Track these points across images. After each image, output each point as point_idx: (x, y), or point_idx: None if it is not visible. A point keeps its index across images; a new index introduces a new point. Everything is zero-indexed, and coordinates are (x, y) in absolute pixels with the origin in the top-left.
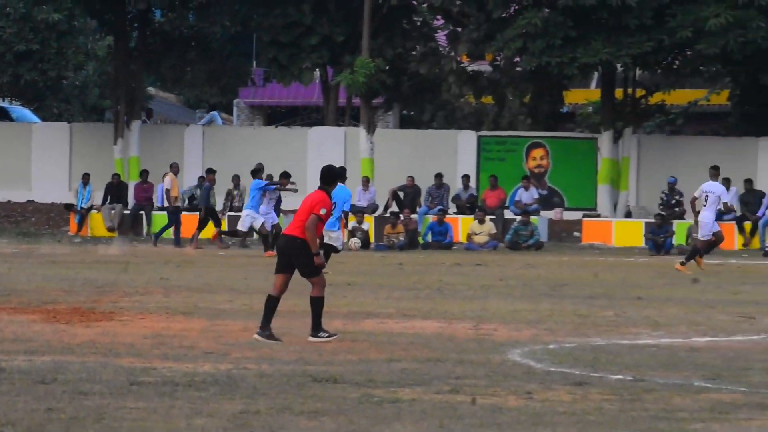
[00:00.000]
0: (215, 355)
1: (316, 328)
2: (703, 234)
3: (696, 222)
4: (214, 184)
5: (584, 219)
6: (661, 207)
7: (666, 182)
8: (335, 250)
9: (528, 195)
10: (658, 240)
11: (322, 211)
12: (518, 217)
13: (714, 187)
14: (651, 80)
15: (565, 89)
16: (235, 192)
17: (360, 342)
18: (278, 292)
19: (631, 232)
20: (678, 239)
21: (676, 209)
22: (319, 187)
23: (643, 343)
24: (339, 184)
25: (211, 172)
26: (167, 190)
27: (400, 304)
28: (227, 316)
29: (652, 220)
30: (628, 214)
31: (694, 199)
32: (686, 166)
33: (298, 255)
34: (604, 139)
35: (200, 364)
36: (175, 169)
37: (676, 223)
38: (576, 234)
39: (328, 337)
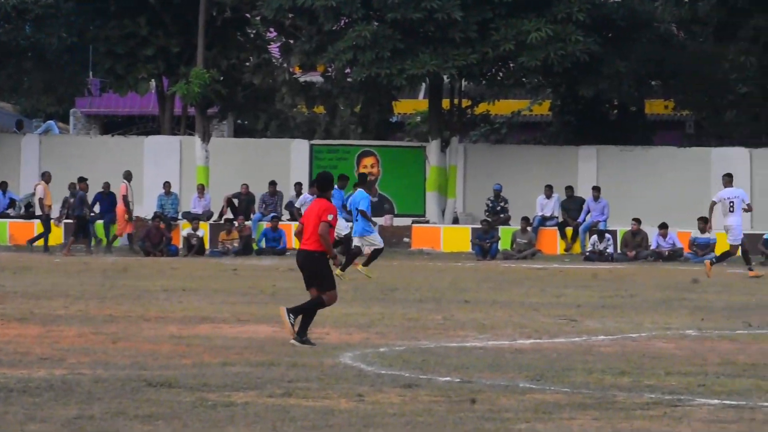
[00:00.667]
0: (50, 360)
1: (302, 333)
2: (735, 238)
3: (725, 228)
4: (87, 191)
5: (414, 225)
6: (487, 213)
7: (491, 189)
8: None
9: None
10: (484, 245)
11: (330, 217)
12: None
13: (735, 192)
14: (476, 91)
15: (394, 99)
16: (71, 200)
17: (195, 346)
18: None
19: (458, 238)
20: (503, 244)
21: (501, 215)
22: (318, 196)
23: (470, 345)
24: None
25: (82, 180)
26: (40, 199)
27: (234, 308)
28: (63, 322)
29: (479, 226)
30: (456, 221)
31: (713, 204)
32: (511, 174)
33: (317, 268)
34: (432, 148)
35: (35, 369)
36: (47, 178)
37: (501, 228)
38: (406, 240)
39: (301, 342)
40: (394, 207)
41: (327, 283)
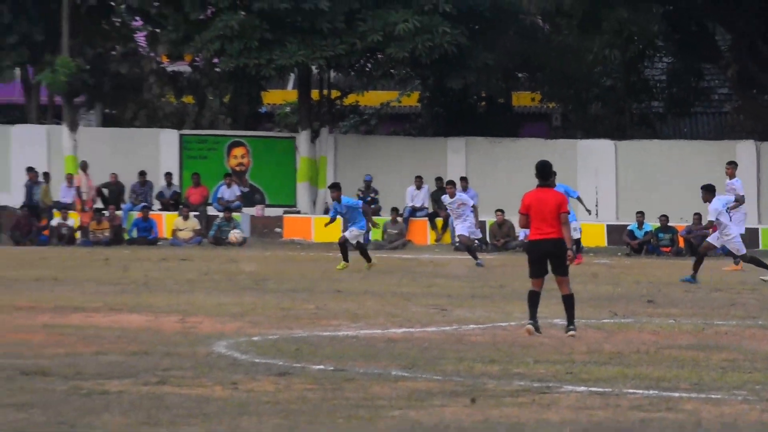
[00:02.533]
0: None
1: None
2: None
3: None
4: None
5: (285, 215)
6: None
7: (362, 180)
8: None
9: (230, 192)
10: None
11: (568, 208)
12: (221, 214)
13: (724, 200)
14: (345, 82)
15: (263, 90)
16: None
17: (68, 336)
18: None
19: (329, 228)
20: (374, 235)
21: (372, 206)
22: (540, 185)
23: (343, 334)
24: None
25: (31, 170)
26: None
27: (107, 298)
28: None
29: None
30: (327, 211)
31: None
32: (381, 164)
33: (564, 255)
34: (302, 139)
35: None
36: None
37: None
38: (277, 230)
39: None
40: (266, 197)
41: (564, 268)
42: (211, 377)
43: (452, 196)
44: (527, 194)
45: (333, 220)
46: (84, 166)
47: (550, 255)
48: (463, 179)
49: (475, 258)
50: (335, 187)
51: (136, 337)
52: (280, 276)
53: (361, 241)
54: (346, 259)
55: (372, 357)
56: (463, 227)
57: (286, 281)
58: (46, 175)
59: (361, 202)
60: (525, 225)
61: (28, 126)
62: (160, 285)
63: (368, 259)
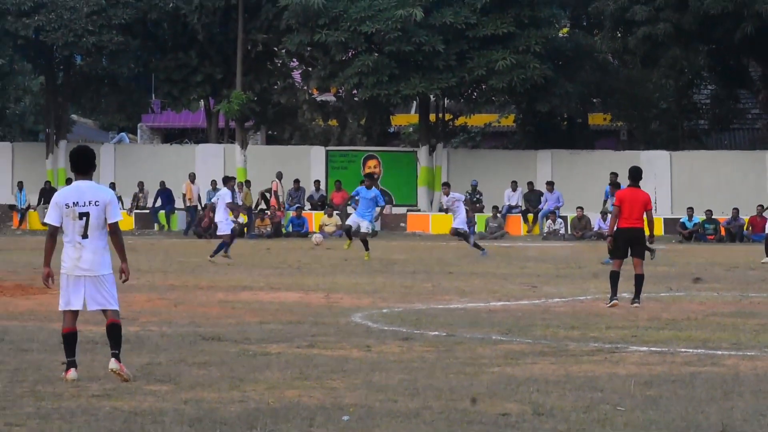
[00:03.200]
0: (126, 320)
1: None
2: None
3: None
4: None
5: (408, 213)
6: (466, 203)
7: (469, 184)
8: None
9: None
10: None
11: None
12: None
13: None
14: (456, 107)
15: (391, 114)
16: (140, 195)
17: (238, 309)
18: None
19: (443, 223)
20: (479, 228)
21: (477, 205)
22: (631, 185)
23: (453, 307)
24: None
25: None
26: (183, 194)
27: (268, 279)
28: (135, 290)
29: None
30: (441, 209)
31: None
32: (484, 172)
33: (644, 242)
34: (422, 153)
35: None
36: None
37: (477, 215)
38: (402, 225)
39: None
40: (393, 199)
41: (644, 253)
42: (349, 342)
43: (447, 195)
44: (622, 191)
45: (352, 200)
46: (279, 176)
47: (634, 240)
48: (549, 183)
49: (479, 248)
50: (369, 177)
51: (291, 310)
52: (404, 261)
53: (374, 230)
54: (350, 238)
55: (476, 325)
56: (457, 221)
57: (409, 265)
58: (248, 183)
59: (380, 196)
60: (617, 215)
61: (209, 145)
62: (309, 269)
63: (367, 248)
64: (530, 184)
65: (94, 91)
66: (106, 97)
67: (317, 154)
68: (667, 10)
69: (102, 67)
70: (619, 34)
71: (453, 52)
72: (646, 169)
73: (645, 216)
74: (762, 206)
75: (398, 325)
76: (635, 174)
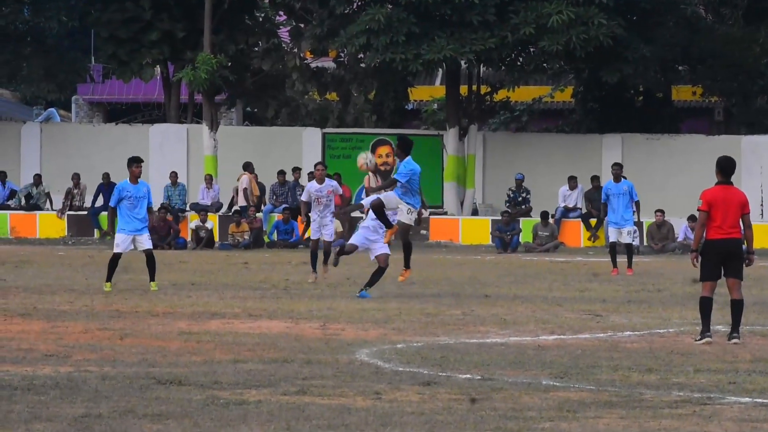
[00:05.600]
0: (55, 357)
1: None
2: None
3: None
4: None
5: (431, 217)
6: (508, 204)
7: (512, 179)
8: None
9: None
10: (504, 237)
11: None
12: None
13: None
14: (495, 77)
15: (409, 86)
16: (75, 191)
17: (205, 343)
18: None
19: (477, 230)
20: (524, 237)
21: (523, 206)
22: (721, 182)
23: (491, 341)
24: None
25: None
26: (245, 189)
27: (246, 303)
28: (68, 317)
29: (499, 218)
30: (475, 212)
31: None
32: (532, 163)
33: (739, 255)
34: (450, 137)
35: (40, 367)
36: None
37: (522, 220)
38: (423, 232)
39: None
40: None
41: (742, 272)
42: (352, 387)
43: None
44: (708, 191)
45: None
46: (248, 167)
47: (729, 255)
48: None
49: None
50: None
51: (276, 344)
52: (426, 280)
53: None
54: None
55: (521, 365)
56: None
57: (432, 286)
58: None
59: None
60: (704, 222)
61: (167, 125)
62: (300, 290)
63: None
64: (595, 178)
65: (13, 53)
66: (29, 61)
67: (311, 137)
68: None
69: (23, 20)
70: None
71: (492, 3)
72: (750, 158)
73: (741, 222)
74: None
75: (417, 366)
76: (726, 167)
